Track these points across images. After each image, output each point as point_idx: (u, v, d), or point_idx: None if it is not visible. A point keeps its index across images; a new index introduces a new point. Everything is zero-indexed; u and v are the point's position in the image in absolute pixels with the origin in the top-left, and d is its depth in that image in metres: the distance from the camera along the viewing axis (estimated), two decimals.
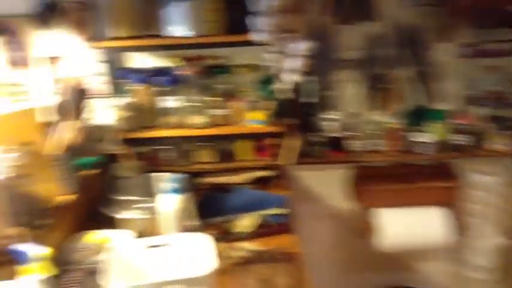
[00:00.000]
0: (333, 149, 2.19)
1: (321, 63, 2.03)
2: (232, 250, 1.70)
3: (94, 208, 1.89)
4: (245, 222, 1.86)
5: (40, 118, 1.70)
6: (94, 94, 2.09)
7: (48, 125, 1.75)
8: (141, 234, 1.73)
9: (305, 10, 1.92)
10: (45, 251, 1.25)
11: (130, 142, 2.20)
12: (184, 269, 1.45)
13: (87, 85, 2.06)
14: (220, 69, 2.17)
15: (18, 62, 2.01)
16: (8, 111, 1.64)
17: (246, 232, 1.83)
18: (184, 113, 2.16)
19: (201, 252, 1.46)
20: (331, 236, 2.46)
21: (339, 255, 2.49)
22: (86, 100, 1.99)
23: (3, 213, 1.44)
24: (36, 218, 1.57)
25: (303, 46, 1.85)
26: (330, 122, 2.19)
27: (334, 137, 2.19)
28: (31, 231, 1.48)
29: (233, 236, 1.80)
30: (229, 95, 2.16)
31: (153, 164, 2.22)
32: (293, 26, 1.86)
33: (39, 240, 1.40)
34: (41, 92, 1.90)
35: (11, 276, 1.25)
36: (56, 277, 1.33)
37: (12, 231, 1.43)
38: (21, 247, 1.23)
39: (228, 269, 1.59)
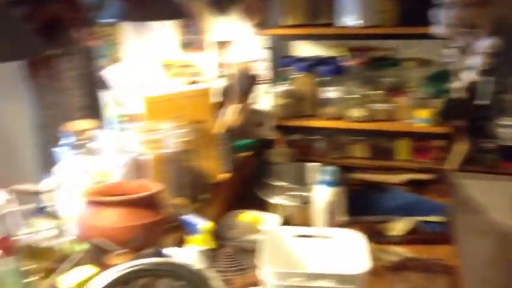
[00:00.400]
0: (507, 159, 1.97)
1: (505, 63, 1.82)
2: (383, 252, 1.62)
3: (245, 189, 1.95)
4: (399, 226, 1.76)
5: (212, 99, 1.79)
6: (259, 80, 2.15)
7: (217, 106, 1.84)
8: (288, 221, 1.74)
9: (492, 3, 1.73)
10: (208, 224, 1.31)
11: (284, 129, 2.23)
12: (333, 264, 1.42)
13: (255, 71, 2.12)
14: (386, 62, 2.07)
15: (193, 45, 2.15)
16: (182, 90, 1.76)
17: (398, 236, 1.73)
18: (343, 105, 2.11)
19: (352, 249, 1.41)
20: (493, 254, 2.22)
21: (500, 276, 2.24)
22: (253, 85, 2.05)
23: (171, 183, 1.55)
24: (197, 191, 1.66)
25: (486, 43, 1.67)
26: (507, 128, 1.96)
27: (510, 146, 1.96)
28: (192, 203, 1.58)
29: (384, 238, 1.72)
30: (394, 90, 2.06)
31: (304, 153, 2.22)
32: (477, 20, 1.69)
33: (197, 213, 1.48)
34: (212, 74, 2.01)
35: (176, 243, 1.34)
36: (213, 250, 1.39)
37: (176, 201, 1.54)
38: (190, 217, 1.30)
39: (378, 271, 1.52)
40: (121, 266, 0.78)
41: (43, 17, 1.31)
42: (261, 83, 2.18)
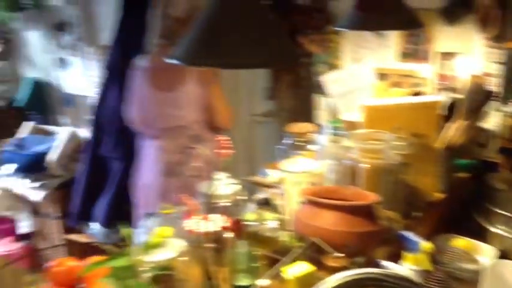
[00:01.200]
0: None
1: None
2: None
3: (460, 212, 1.81)
4: None
5: (438, 112, 1.70)
6: (492, 96, 1.97)
7: (442, 120, 1.74)
8: (506, 255, 1.55)
9: None
10: (428, 244, 1.25)
11: (511, 152, 2.00)
12: None
13: (488, 86, 1.95)
14: None
15: (415, 55, 2.07)
16: (405, 101, 1.71)
17: None
18: None
19: None
20: None
21: None
22: (485, 102, 1.89)
23: (384, 195, 1.52)
24: (411, 208, 1.60)
25: None
26: None
27: None
28: (403, 219, 1.52)
29: None
30: None
31: None
32: None
33: (408, 230, 1.42)
34: (435, 86, 1.91)
35: (388, 257, 1.30)
36: (427, 272, 1.32)
37: (389, 214, 1.50)
38: (409, 234, 1.26)
39: None
40: (350, 271, 0.79)
41: (286, 26, 1.41)
42: (492, 100, 1.99)
